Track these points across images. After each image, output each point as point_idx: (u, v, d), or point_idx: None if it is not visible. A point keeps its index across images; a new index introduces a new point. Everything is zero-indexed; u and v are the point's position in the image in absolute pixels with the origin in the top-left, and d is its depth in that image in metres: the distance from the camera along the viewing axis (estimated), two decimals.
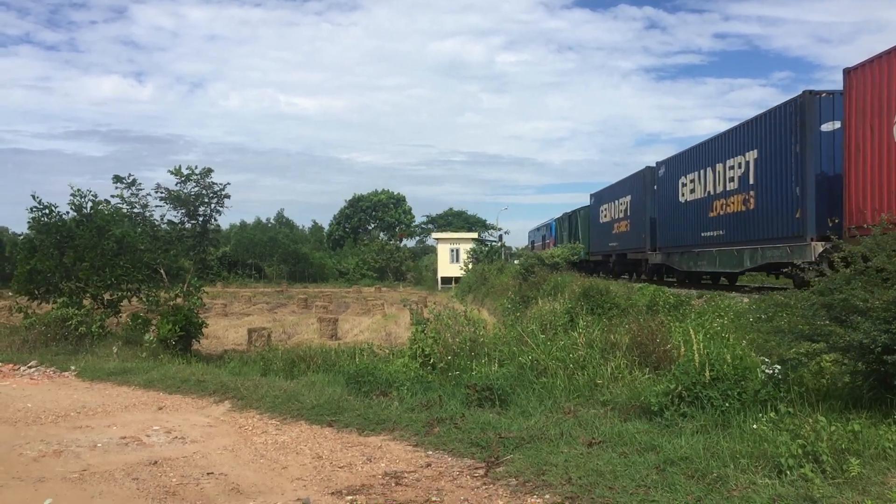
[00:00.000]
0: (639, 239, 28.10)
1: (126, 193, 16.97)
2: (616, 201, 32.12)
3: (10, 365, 14.35)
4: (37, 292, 18.00)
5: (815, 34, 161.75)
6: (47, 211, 18.23)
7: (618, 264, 32.59)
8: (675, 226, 24.13)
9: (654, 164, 27.08)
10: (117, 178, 16.80)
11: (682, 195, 23.40)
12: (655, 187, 26.80)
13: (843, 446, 5.63)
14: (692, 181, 22.70)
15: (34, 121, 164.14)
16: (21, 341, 16.38)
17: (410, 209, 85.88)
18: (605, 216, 34.31)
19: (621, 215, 31.01)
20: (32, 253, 17.99)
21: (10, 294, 21.10)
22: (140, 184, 16.96)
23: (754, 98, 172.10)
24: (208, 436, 8.32)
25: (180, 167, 16.42)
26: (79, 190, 18.48)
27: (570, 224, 43.28)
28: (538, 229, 58.36)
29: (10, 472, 6.89)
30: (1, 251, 51.40)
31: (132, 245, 17.70)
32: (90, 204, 18.45)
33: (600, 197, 35.85)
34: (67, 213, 18.50)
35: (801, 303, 7.42)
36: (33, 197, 18.07)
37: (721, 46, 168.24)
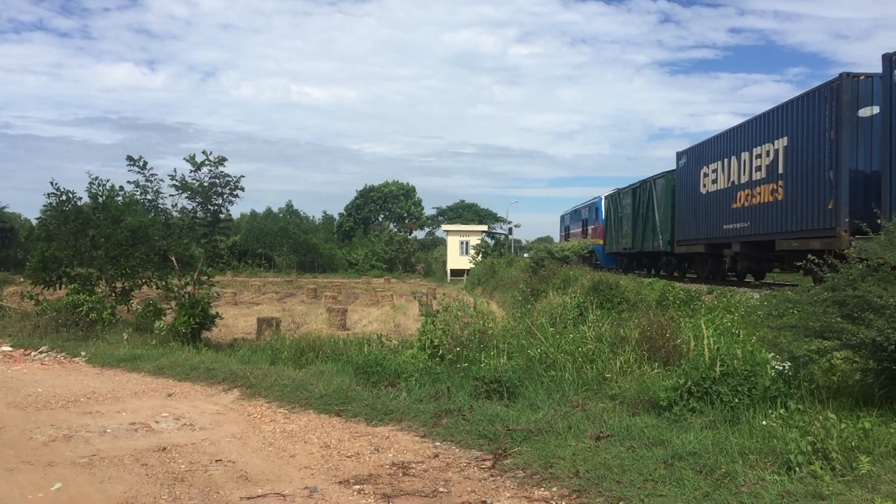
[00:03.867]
0: (813, 213, 15.98)
1: (140, 179, 16.89)
2: (744, 154, 19.73)
3: (21, 350, 14.47)
4: (50, 278, 18.14)
5: (832, 30, 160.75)
6: (65, 198, 18.35)
7: (746, 259, 20.27)
8: None
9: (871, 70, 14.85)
10: (130, 159, 16.69)
11: None
12: (867, 112, 15.02)
13: (853, 444, 5.59)
14: None
15: (45, 107, 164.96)
16: (32, 327, 16.48)
17: (420, 200, 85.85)
18: (715, 181, 21.91)
19: (759, 176, 18.74)
20: (49, 240, 18.12)
21: (22, 280, 21.23)
22: (152, 168, 16.89)
23: (768, 93, 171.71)
24: (217, 423, 8.36)
25: (194, 156, 16.32)
26: (97, 178, 18.65)
27: (635, 201, 30.36)
28: (576, 212, 46.02)
29: (21, 456, 6.94)
30: (14, 237, 51.78)
31: (146, 235, 17.79)
32: (106, 194, 18.58)
33: (701, 154, 23.47)
34: (81, 198, 18.66)
35: (812, 299, 7.36)
36: (52, 184, 18.25)
37: (736, 41, 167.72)
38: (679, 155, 25.70)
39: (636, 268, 31.74)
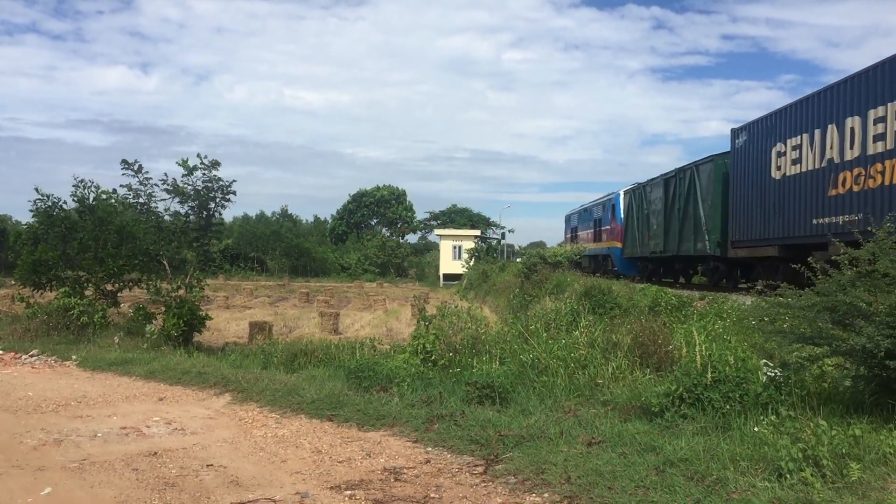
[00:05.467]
0: None
1: (133, 182, 16.78)
2: (850, 121, 14.34)
3: (12, 353, 14.38)
4: (40, 281, 18.09)
5: (824, 37, 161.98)
6: (50, 203, 18.36)
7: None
8: None
9: None
10: (125, 163, 16.59)
11: None
12: None
13: (844, 451, 5.60)
14: None
15: (37, 110, 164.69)
16: (23, 330, 16.40)
17: (412, 205, 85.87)
18: (797, 161, 16.46)
19: (880, 148, 13.40)
20: (36, 244, 18.09)
21: (13, 282, 21.20)
22: (147, 172, 16.78)
23: (760, 100, 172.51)
24: (208, 428, 8.33)
25: (187, 160, 16.22)
26: (82, 181, 18.61)
27: (668, 194, 24.72)
28: (585, 211, 39.77)
29: (10, 460, 6.90)
30: (4, 240, 51.51)
31: (133, 236, 17.76)
32: (92, 195, 18.54)
33: (772, 126, 17.86)
34: (65, 202, 18.70)
35: (803, 305, 7.38)
36: (37, 190, 18.30)
37: (728, 48, 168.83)
38: (736, 132, 19.97)
39: (664, 275, 27.05)
